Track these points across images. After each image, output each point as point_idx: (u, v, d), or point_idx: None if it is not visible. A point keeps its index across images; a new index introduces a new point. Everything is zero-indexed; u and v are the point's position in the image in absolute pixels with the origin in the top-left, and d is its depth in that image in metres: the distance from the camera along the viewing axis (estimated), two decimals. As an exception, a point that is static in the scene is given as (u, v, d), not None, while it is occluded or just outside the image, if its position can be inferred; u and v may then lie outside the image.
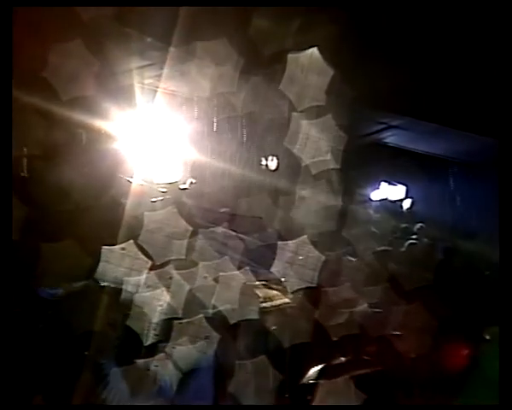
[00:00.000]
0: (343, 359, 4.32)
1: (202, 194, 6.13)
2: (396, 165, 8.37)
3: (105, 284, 3.42)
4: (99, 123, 5.12)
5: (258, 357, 3.42)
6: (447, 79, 6.60)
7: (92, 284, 3.46)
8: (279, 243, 4.07)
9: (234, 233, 4.91)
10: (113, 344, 3.34)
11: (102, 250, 3.38)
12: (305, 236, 3.95)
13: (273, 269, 4.03)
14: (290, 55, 4.64)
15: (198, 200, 5.93)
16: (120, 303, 3.41)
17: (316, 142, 4.78)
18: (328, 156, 4.83)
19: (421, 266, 5.25)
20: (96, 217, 4.14)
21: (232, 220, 5.42)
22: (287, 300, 4.35)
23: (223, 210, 5.99)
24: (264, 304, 4.16)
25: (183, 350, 3.18)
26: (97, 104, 4.77)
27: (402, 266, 5.30)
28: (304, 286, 4.05)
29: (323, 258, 4.01)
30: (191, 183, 6.22)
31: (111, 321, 3.38)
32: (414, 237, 6.86)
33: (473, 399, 3.22)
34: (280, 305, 4.30)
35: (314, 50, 4.65)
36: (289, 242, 4.00)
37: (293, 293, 4.11)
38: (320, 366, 4.19)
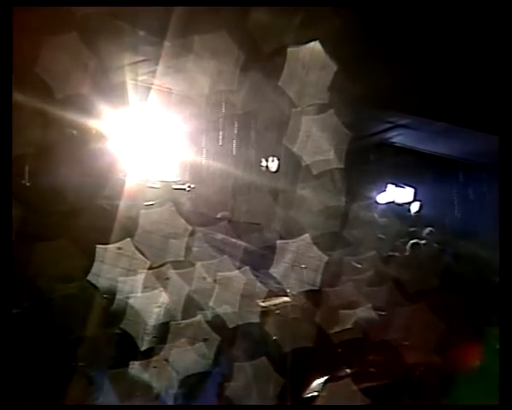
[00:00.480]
0: (348, 370, 4.41)
1: (199, 196, 6.18)
2: (403, 166, 8.38)
3: (98, 290, 3.50)
4: (90, 121, 5.18)
5: (258, 359, 3.48)
6: (457, 76, 6.65)
7: (84, 289, 3.54)
8: (278, 241, 4.05)
9: (232, 239, 4.97)
10: (107, 353, 3.44)
11: (97, 249, 3.42)
12: (307, 234, 3.93)
13: (272, 270, 4.02)
14: (290, 50, 4.64)
15: (194, 203, 5.99)
16: (115, 310, 3.50)
17: (317, 140, 4.79)
18: (331, 155, 4.83)
19: (427, 270, 5.31)
20: (89, 218, 4.19)
21: (230, 225, 5.44)
22: (286, 298, 4.40)
23: (220, 214, 6.07)
24: (262, 303, 4.21)
25: (182, 352, 3.26)
26: (89, 102, 4.84)
27: (409, 272, 5.37)
28: (305, 289, 4.07)
29: (326, 258, 3.99)
30: (189, 186, 6.27)
31: (106, 331, 3.47)
32: (422, 241, 6.91)
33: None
34: (279, 304, 4.35)
35: (316, 44, 4.65)
36: (290, 241, 3.98)
37: (293, 296, 4.15)
38: (324, 378, 4.28)
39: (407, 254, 6.30)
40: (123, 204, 4.44)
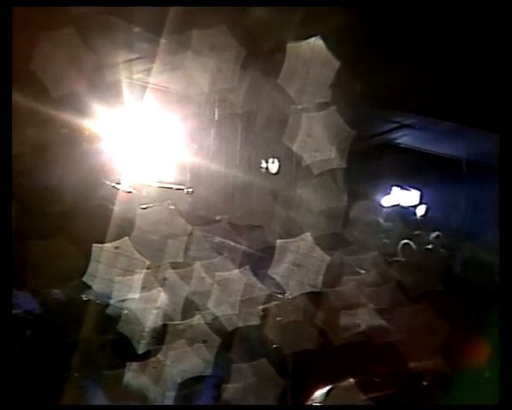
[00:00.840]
0: (352, 380, 4.46)
1: (197, 198, 6.21)
2: (408, 167, 8.38)
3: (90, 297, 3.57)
4: (84, 121, 5.27)
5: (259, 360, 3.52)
6: (464, 74, 6.70)
7: (79, 291, 3.62)
8: (278, 241, 4.05)
9: (231, 243, 5.01)
10: (103, 357, 3.51)
11: (93, 249, 3.47)
12: (308, 233, 3.94)
13: (271, 271, 4.02)
14: (291, 46, 4.66)
15: (192, 205, 6.02)
16: (111, 312, 3.58)
17: (319, 139, 4.80)
18: (333, 155, 4.85)
19: (429, 273, 5.34)
20: (85, 219, 4.22)
21: (229, 229, 5.49)
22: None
23: (219, 217, 6.11)
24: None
25: (181, 354, 3.32)
26: (83, 101, 4.93)
27: (412, 276, 5.42)
28: (306, 291, 4.08)
29: (328, 258, 3.99)
30: (188, 190, 6.30)
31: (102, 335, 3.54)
32: (430, 246, 6.97)
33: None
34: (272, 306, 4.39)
35: (317, 40, 4.67)
36: (290, 240, 3.99)
37: (293, 299, 4.18)
38: (327, 388, 4.34)
39: (399, 255, 6.33)
40: (119, 206, 4.48)
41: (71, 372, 3.63)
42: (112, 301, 3.52)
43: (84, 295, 3.57)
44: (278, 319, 4.43)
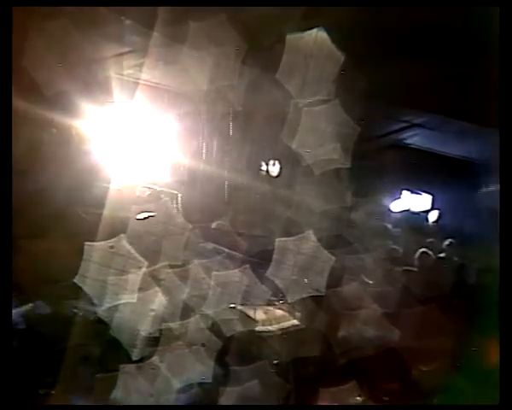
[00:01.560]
0: (359, 398, 4.62)
1: (192, 204, 6.33)
2: (419, 170, 8.49)
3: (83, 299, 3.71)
4: (70, 120, 5.39)
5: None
6: (482, 70, 6.83)
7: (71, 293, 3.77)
8: (277, 239, 4.10)
9: (226, 250, 5.15)
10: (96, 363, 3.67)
11: (85, 247, 3.59)
12: (310, 231, 3.99)
13: (270, 273, 4.09)
14: (290, 37, 4.70)
15: (186, 211, 6.15)
16: (104, 316, 3.73)
17: (320, 136, 4.90)
18: (336, 154, 4.96)
19: (443, 283, 5.47)
20: (77, 222, 4.34)
21: (227, 238, 5.63)
22: (295, 321, 4.54)
23: (215, 224, 6.24)
24: (269, 327, 4.38)
25: (178, 357, 3.47)
26: (70, 99, 5.08)
27: (424, 287, 5.55)
28: (307, 295, 4.18)
29: (333, 259, 4.04)
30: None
31: (85, 353, 3.69)
32: (442, 254, 7.13)
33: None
34: (287, 328, 4.51)
35: (320, 31, 4.74)
36: (290, 239, 4.03)
37: (294, 307, 4.27)
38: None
39: (416, 264, 6.44)
40: (111, 207, 4.59)
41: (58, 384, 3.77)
42: (106, 305, 3.64)
43: (75, 298, 3.70)
44: (279, 332, 4.56)
